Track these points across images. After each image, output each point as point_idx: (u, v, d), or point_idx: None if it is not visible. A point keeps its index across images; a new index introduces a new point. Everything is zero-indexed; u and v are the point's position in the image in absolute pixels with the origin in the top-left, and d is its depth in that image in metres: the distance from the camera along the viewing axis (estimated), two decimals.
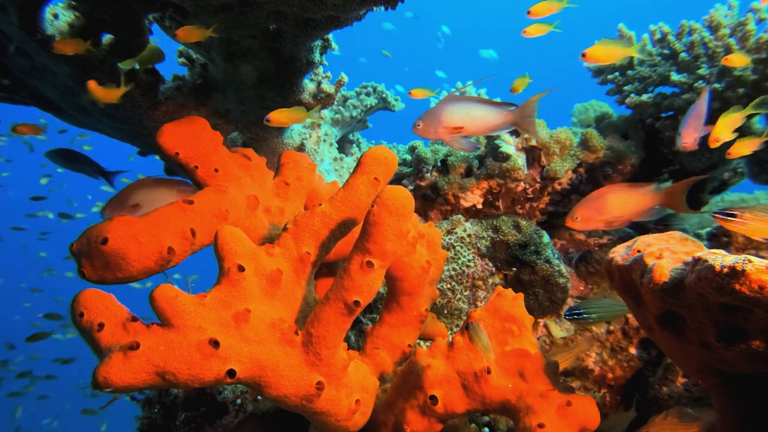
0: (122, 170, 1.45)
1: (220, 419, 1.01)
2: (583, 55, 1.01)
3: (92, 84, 0.92)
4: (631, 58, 1.48)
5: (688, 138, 1.05)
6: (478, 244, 1.36)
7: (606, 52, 1.02)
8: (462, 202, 1.44)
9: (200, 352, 0.57)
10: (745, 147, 1.04)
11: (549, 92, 1.01)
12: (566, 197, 1.47)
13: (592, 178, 1.49)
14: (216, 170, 0.85)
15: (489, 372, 0.72)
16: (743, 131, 1.36)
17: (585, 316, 0.94)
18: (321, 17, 0.95)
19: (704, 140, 1.06)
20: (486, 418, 1.12)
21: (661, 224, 1.57)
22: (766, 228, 0.60)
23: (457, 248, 1.32)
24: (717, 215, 0.63)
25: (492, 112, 0.99)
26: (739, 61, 1.09)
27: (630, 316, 1.27)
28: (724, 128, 1.03)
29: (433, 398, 0.72)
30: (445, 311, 1.26)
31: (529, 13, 1.09)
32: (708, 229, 1.41)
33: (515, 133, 1.42)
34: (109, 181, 1.43)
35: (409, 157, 1.57)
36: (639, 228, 1.57)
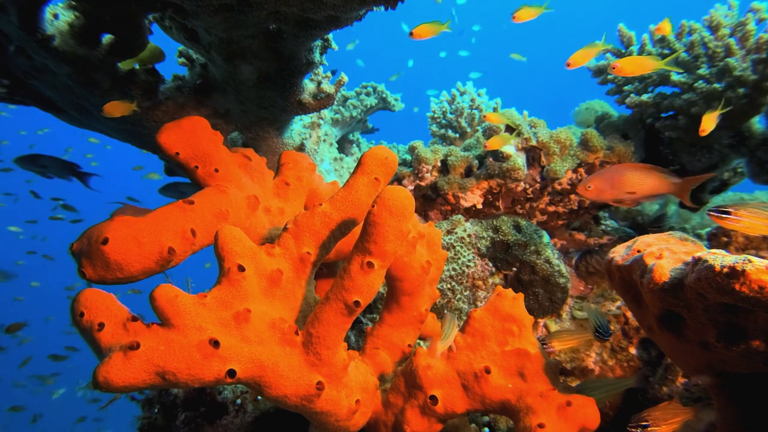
0: (96, 173, 1.35)
1: (220, 419, 1.01)
2: (613, 68, 1.08)
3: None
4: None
5: None
6: (478, 244, 1.36)
7: (635, 65, 1.08)
8: (462, 202, 1.44)
9: (200, 352, 0.57)
10: (711, 121, 1.13)
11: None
12: (566, 197, 1.47)
13: None
14: (216, 170, 0.85)
15: (489, 372, 0.72)
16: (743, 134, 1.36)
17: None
18: (321, 17, 0.95)
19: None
20: (486, 418, 1.12)
21: (656, 226, 1.57)
22: (760, 225, 0.61)
23: (457, 248, 1.32)
24: (712, 212, 0.64)
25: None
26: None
27: (630, 315, 1.27)
28: (709, 122, 1.13)
29: (433, 398, 0.72)
30: (445, 311, 1.26)
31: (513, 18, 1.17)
32: (708, 229, 1.41)
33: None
34: (84, 181, 1.34)
35: (409, 157, 1.57)
36: (639, 228, 1.57)
